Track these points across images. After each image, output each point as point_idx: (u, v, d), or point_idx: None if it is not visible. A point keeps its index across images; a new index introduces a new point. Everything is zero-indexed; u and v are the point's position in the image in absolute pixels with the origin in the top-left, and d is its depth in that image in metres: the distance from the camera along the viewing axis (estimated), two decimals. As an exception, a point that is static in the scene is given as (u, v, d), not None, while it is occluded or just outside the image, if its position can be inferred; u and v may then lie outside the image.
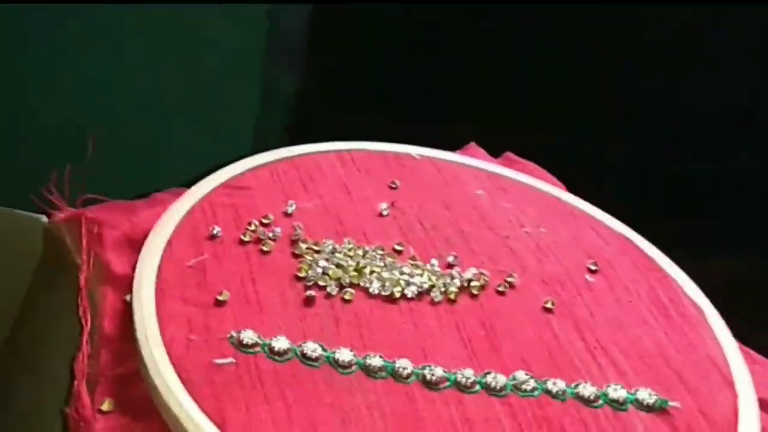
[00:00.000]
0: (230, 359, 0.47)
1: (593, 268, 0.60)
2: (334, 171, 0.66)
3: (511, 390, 0.49)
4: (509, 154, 0.78)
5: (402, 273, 0.55)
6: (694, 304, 0.59)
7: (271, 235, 0.57)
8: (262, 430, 0.43)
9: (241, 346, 0.48)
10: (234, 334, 0.48)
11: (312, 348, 0.48)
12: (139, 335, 0.47)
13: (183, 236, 0.55)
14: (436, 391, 0.48)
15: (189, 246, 0.54)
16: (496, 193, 0.67)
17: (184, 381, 0.45)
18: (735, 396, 0.51)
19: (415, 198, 0.64)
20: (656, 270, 0.62)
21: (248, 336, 0.48)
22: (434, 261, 0.57)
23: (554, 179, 0.74)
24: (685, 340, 0.55)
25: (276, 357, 0.48)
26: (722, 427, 0.49)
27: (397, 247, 0.58)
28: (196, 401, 0.44)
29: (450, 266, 0.58)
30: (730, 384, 0.52)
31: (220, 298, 0.51)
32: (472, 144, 0.78)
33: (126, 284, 0.52)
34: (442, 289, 0.55)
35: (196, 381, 0.45)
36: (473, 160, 0.72)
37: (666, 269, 0.62)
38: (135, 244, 0.54)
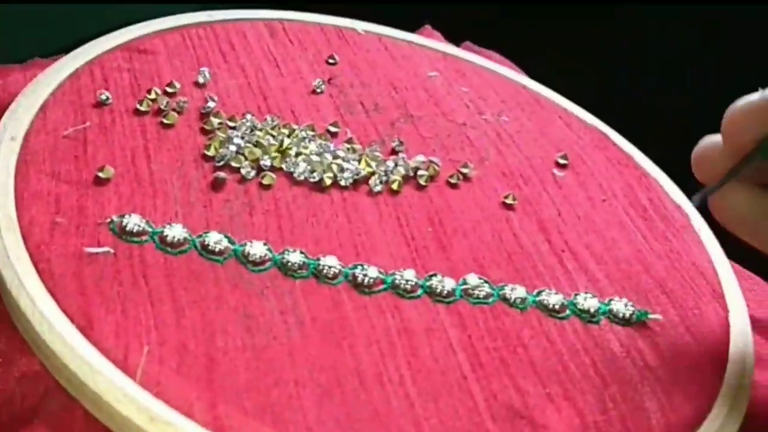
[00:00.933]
0: (106, 248, 0.37)
1: (562, 162, 0.51)
2: (261, 41, 0.55)
3: (461, 296, 0.40)
4: (468, 43, 0.68)
5: (336, 156, 0.46)
6: (678, 208, 0.50)
7: (175, 105, 0.46)
8: (141, 337, 0.33)
9: (123, 233, 0.38)
10: (115, 218, 0.38)
11: (216, 239, 0.39)
12: (-12, 215, 0.36)
13: (62, 102, 0.44)
14: (368, 296, 0.39)
15: (69, 113, 0.43)
16: (452, 76, 0.57)
17: (42, 273, 0.35)
18: (725, 311, 0.43)
19: (357, 76, 0.54)
20: (635, 168, 0.53)
21: (134, 221, 0.38)
22: (376, 146, 0.48)
23: (519, 69, 0.65)
24: (667, 247, 0.47)
25: (168, 248, 0.38)
26: (710, 345, 0.41)
27: (332, 129, 0.48)
28: (56, 298, 0.34)
29: (394, 152, 0.48)
30: (719, 297, 0.44)
31: (101, 174, 0.40)
32: (427, 26, 0.68)
33: (-15, 157, 0.41)
34: (384, 178, 0.46)
35: (59, 274, 0.35)
36: (427, 40, 0.62)
37: (646, 168, 0.54)
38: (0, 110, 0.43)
